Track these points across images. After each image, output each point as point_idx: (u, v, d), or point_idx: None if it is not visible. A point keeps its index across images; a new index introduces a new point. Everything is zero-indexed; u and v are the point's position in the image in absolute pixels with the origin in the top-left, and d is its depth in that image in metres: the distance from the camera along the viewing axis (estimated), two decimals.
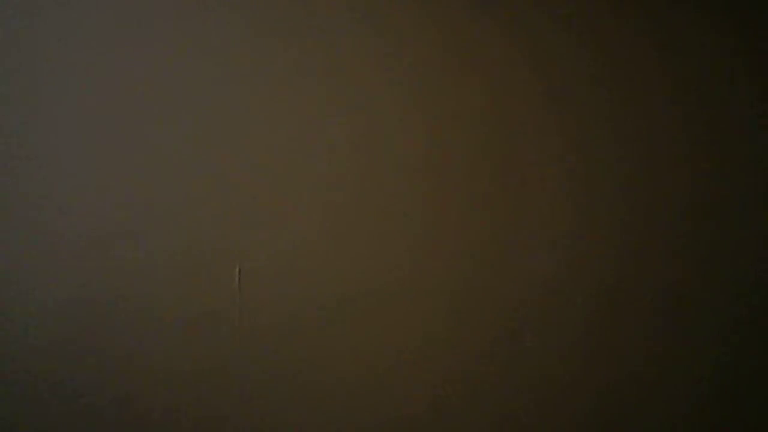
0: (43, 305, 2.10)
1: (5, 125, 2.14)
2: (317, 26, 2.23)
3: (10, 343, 2.09)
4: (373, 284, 2.19)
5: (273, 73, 2.21)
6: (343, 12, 2.24)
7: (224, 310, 2.14)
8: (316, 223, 2.19)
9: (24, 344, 2.09)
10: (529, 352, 2.24)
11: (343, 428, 2.17)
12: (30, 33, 2.16)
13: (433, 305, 2.21)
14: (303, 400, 2.16)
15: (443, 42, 2.27)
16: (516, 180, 2.27)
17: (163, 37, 2.18)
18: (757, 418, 2.26)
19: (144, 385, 2.11)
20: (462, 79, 2.27)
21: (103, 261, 2.12)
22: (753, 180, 2.32)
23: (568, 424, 2.23)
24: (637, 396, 2.26)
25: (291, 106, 2.21)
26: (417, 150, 2.24)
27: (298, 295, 2.17)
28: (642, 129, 2.31)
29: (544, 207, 2.27)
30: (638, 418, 2.25)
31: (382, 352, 2.19)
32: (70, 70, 2.16)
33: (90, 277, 2.11)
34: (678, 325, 2.28)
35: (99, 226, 2.13)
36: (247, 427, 2.13)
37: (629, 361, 2.26)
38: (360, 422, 2.17)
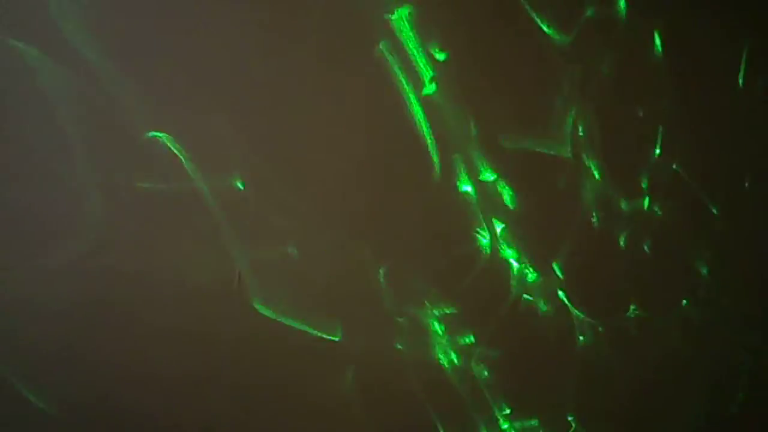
0: (42, 306, 2.10)
1: (5, 125, 2.14)
2: (319, 27, 2.24)
3: (9, 344, 2.09)
4: (373, 284, 2.20)
5: (273, 74, 2.21)
6: (344, 13, 2.24)
7: (224, 311, 2.15)
8: (316, 223, 2.20)
9: (24, 345, 2.09)
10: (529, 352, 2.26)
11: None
12: (30, 33, 2.15)
13: (434, 304, 2.23)
14: (304, 402, 2.16)
15: (446, 45, 2.28)
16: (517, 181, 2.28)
17: (163, 36, 2.18)
18: (761, 418, 2.28)
19: (143, 389, 2.11)
20: (464, 82, 2.28)
21: (101, 263, 2.12)
22: (754, 181, 2.34)
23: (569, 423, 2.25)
24: (637, 396, 2.27)
25: (291, 106, 2.22)
26: (418, 151, 2.25)
27: (299, 296, 2.18)
28: (643, 129, 2.32)
29: (546, 209, 2.28)
30: (641, 417, 2.27)
31: (382, 352, 2.20)
32: (71, 71, 2.16)
33: (88, 279, 2.11)
34: (680, 324, 2.30)
35: (99, 228, 2.13)
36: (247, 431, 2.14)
37: (630, 361, 2.27)
38: (361, 426, 2.18)
